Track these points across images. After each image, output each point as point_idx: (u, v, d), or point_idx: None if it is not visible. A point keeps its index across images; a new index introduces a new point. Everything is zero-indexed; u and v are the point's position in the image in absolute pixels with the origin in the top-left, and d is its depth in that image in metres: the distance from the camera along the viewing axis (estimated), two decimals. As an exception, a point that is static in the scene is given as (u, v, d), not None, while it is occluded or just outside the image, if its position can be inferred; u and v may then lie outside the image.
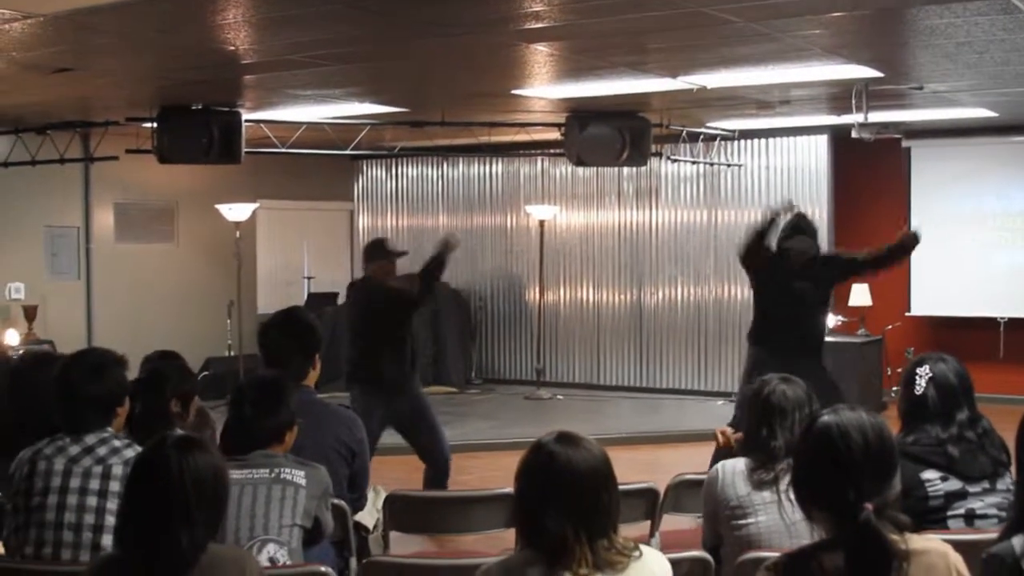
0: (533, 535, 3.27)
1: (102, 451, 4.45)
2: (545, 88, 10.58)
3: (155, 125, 11.57)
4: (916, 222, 14.21)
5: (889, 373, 14.11)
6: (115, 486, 4.31)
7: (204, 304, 16.04)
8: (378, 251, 8.98)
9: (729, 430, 5.39)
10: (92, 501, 4.36)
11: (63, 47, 8.36)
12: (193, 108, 11.47)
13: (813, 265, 8.83)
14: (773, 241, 8.89)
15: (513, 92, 10.75)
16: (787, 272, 8.76)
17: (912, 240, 8.92)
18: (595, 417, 14.42)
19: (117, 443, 4.49)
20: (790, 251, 8.76)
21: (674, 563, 3.50)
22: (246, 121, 11.82)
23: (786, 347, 8.62)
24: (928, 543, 3.06)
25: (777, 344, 8.71)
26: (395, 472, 9.27)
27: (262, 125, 12.52)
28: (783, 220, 8.92)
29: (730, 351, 15.71)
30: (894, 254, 9.00)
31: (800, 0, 6.96)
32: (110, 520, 4.26)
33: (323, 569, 4.24)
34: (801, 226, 8.90)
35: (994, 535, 3.26)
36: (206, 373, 14.15)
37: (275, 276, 17.70)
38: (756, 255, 8.89)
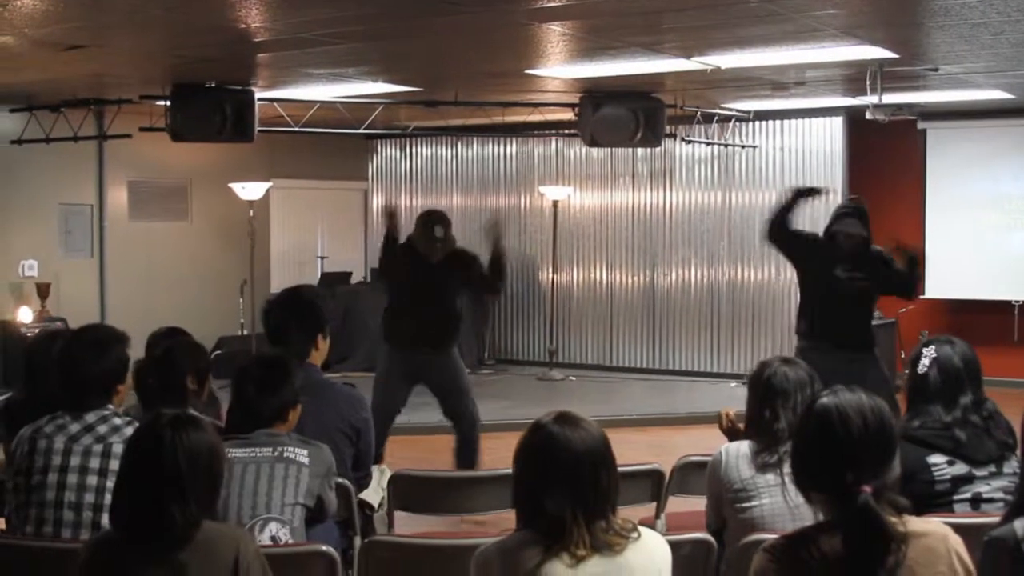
0: (531, 516, 3.27)
1: (102, 429, 4.45)
2: (559, 68, 10.55)
3: (168, 103, 11.56)
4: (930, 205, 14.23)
5: (903, 356, 14.05)
6: (115, 464, 4.30)
7: (217, 283, 16.04)
8: (422, 229, 8.75)
9: (732, 411, 5.35)
10: (92, 480, 4.36)
11: (75, 24, 8.34)
12: (206, 86, 11.46)
13: (862, 252, 8.56)
14: (798, 221, 8.80)
15: (527, 72, 10.71)
16: (833, 258, 8.51)
17: (913, 257, 8.77)
18: (607, 398, 14.41)
19: (118, 421, 4.49)
20: (838, 234, 8.55)
21: (676, 545, 3.49)
22: (259, 100, 11.80)
23: (832, 340, 8.44)
24: (927, 526, 3.05)
25: (830, 336, 8.50)
26: (405, 452, 9.29)
27: (275, 104, 12.49)
28: (807, 202, 8.83)
29: (743, 333, 15.70)
30: (912, 271, 8.83)
31: (814, -20, 6.94)
32: (110, 499, 4.25)
33: (323, 548, 4.24)
34: (851, 209, 8.76)
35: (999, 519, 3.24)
36: (218, 352, 14.15)
37: (288, 255, 17.69)
38: (779, 231, 8.77)
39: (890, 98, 11.09)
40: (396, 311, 8.77)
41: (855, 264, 8.52)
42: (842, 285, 8.53)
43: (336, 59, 10.02)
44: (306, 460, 4.49)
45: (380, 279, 9.00)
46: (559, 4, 7.56)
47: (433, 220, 8.65)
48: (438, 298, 8.65)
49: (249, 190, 14.66)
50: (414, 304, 8.62)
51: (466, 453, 8.58)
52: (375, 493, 5.85)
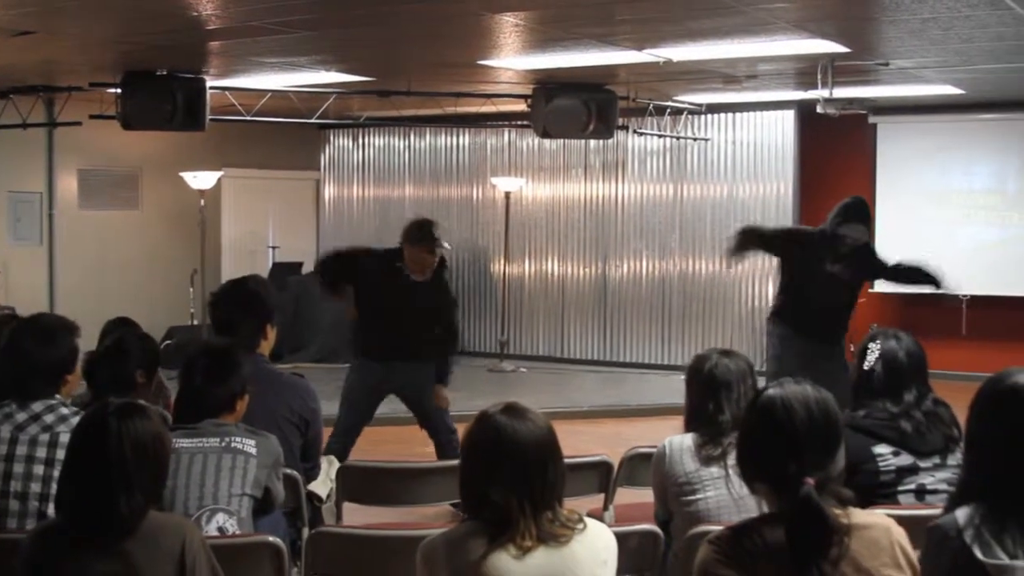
0: (478, 506, 3.27)
1: (49, 418, 4.42)
2: (512, 59, 10.55)
3: (119, 91, 11.48)
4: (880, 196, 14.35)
5: (852, 348, 14.13)
6: (62, 454, 4.27)
7: (167, 272, 15.95)
8: (426, 236, 8.14)
9: None
10: (39, 470, 4.33)
11: (25, 9, 8.27)
12: (157, 74, 11.38)
13: (856, 253, 8.76)
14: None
15: (480, 62, 10.71)
16: (830, 255, 8.68)
17: (937, 284, 8.96)
18: (558, 390, 14.43)
19: (65, 411, 4.46)
20: (845, 237, 8.69)
21: (624, 537, 3.50)
22: (211, 88, 11.73)
23: (814, 329, 8.72)
24: (871, 518, 3.07)
25: (806, 325, 8.75)
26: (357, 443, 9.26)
27: (227, 92, 12.43)
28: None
29: (694, 325, 15.77)
30: (918, 279, 9.02)
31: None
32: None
33: (270, 539, 4.22)
34: (859, 211, 8.90)
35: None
36: (169, 342, 14.06)
37: (239, 245, 17.61)
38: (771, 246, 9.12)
39: (841, 92, 11.14)
40: (377, 323, 8.47)
41: (849, 262, 8.72)
42: (833, 280, 8.73)
43: (289, 48, 9.98)
44: (254, 450, 4.47)
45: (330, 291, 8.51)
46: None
47: (431, 224, 8.36)
48: (421, 309, 8.44)
49: (200, 179, 14.59)
50: (396, 315, 8.40)
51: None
52: (323, 484, 5.82)
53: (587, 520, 3.33)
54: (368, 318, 8.30)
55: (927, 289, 9.18)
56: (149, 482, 3.43)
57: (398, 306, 8.14)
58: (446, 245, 8.20)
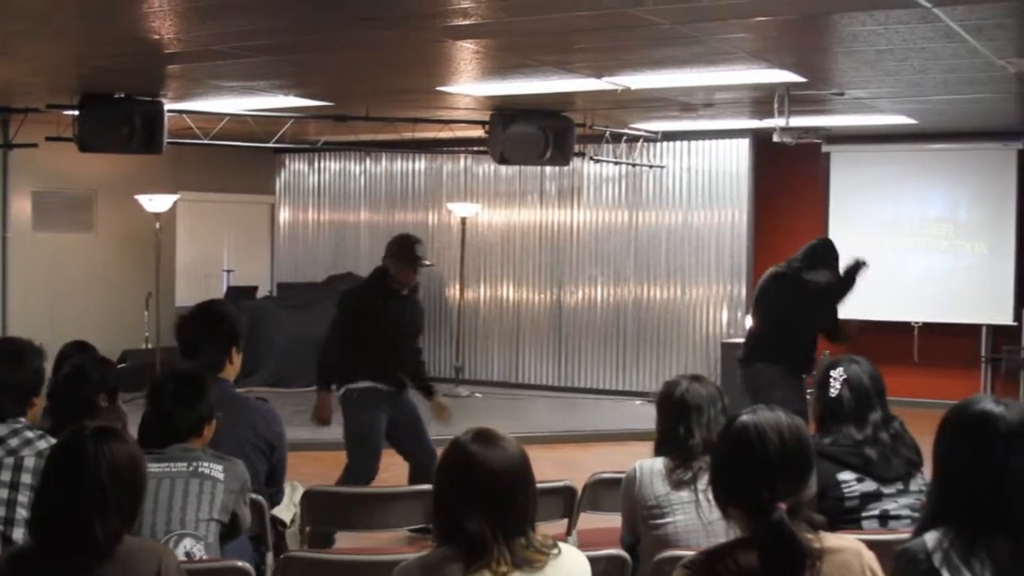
0: (451, 533, 3.28)
1: (14, 442, 4.40)
2: (470, 85, 10.58)
3: (76, 113, 11.43)
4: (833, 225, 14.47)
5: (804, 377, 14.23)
6: (27, 478, 4.27)
7: (122, 295, 15.85)
8: (407, 252, 8.36)
9: None
10: (3, 493, 4.30)
11: (-19, 31, 8.25)
12: (115, 97, 11.33)
13: (823, 292, 9.04)
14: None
15: (438, 88, 10.73)
16: (802, 297, 8.97)
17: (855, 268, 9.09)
18: (513, 416, 14.43)
19: (30, 434, 4.45)
20: (808, 283, 8.95)
21: (592, 561, 3.52)
22: (169, 111, 11.70)
23: (796, 367, 8.99)
24: (843, 542, 3.12)
25: (790, 364, 8.98)
26: (312, 468, 9.25)
27: (185, 116, 12.41)
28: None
29: (648, 351, 15.83)
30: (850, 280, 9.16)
31: (726, 4, 7.01)
32: (21, 513, 4.21)
33: (240, 564, 4.22)
34: (825, 256, 9.14)
35: (907, 535, 3.32)
36: (123, 365, 13.98)
37: (194, 268, 17.55)
38: None
39: (797, 121, 11.25)
40: (380, 347, 8.49)
41: (818, 300, 9.04)
42: (808, 318, 9.06)
43: (248, 72, 9.97)
44: (221, 475, 4.47)
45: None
46: (475, 22, 7.58)
47: (415, 240, 8.48)
48: (408, 322, 8.56)
49: (156, 202, 14.55)
50: (395, 333, 8.48)
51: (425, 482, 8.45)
52: (287, 509, 5.83)
53: (561, 545, 3.35)
54: (369, 346, 8.31)
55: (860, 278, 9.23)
56: (125, 506, 3.42)
57: (396, 324, 8.32)
58: (428, 263, 8.49)
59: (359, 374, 8.27)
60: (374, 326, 8.27)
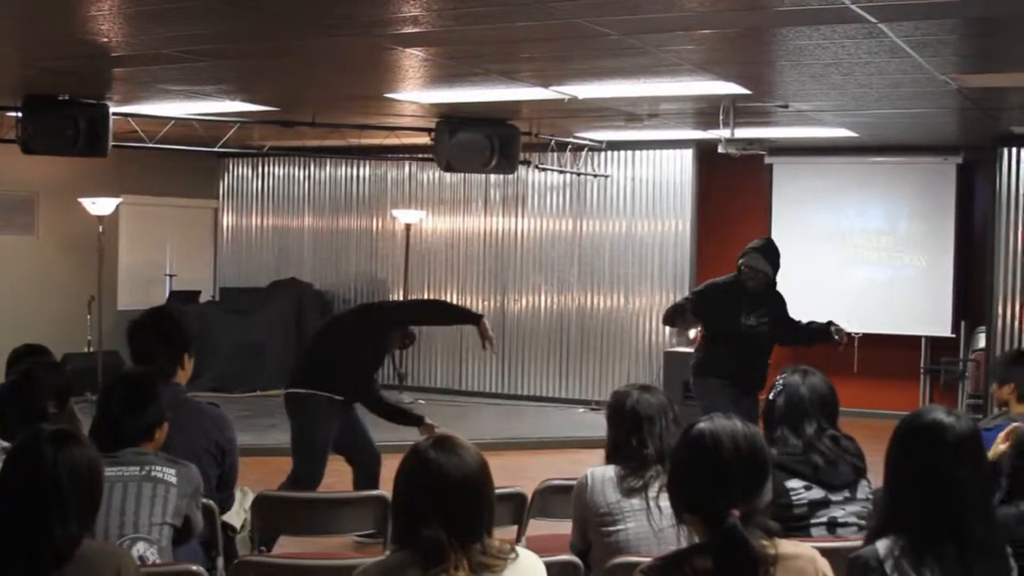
0: (409, 538, 3.31)
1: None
2: (417, 93, 10.59)
3: (20, 115, 11.35)
4: (776, 233, 14.59)
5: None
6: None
7: (64, 299, 15.71)
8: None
9: None
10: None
11: (-76, 31, 8.18)
12: (60, 99, 11.26)
13: (764, 292, 9.12)
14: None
15: (386, 95, 10.73)
16: (738, 305, 9.01)
17: (831, 336, 9.22)
18: (457, 423, 14.36)
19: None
20: (742, 267, 9.02)
21: (546, 566, 3.55)
22: (113, 114, 11.63)
23: (741, 383, 8.97)
24: (797, 548, 3.17)
25: (732, 376, 8.99)
26: (255, 473, 9.22)
27: (130, 119, 12.34)
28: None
29: (592, 360, 15.89)
30: (812, 337, 9.29)
31: (673, 16, 7.06)
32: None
33: (194, 568, 4.23)
34: (760, 245, 9.25)
35: (855, 542, 3.38)
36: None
37: (137, 272, 17.41)
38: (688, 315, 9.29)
39: (741, 132, 11.35)
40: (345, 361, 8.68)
41: (756, 305, 9.03)
42: (749, 332, 9.06)
43: (195, 76, 9.93)
44: (174, 479, 4.48)
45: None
46: (424, 30, 7.59)
47: None
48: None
49: (99, 205, 14.46)
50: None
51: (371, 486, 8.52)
52: (237, 515, 5.82)
53: (519, 550, 3.39)
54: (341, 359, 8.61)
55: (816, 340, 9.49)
56: (84, 510, 3.43)
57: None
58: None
59: (323, 380, 8.44)
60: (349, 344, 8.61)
